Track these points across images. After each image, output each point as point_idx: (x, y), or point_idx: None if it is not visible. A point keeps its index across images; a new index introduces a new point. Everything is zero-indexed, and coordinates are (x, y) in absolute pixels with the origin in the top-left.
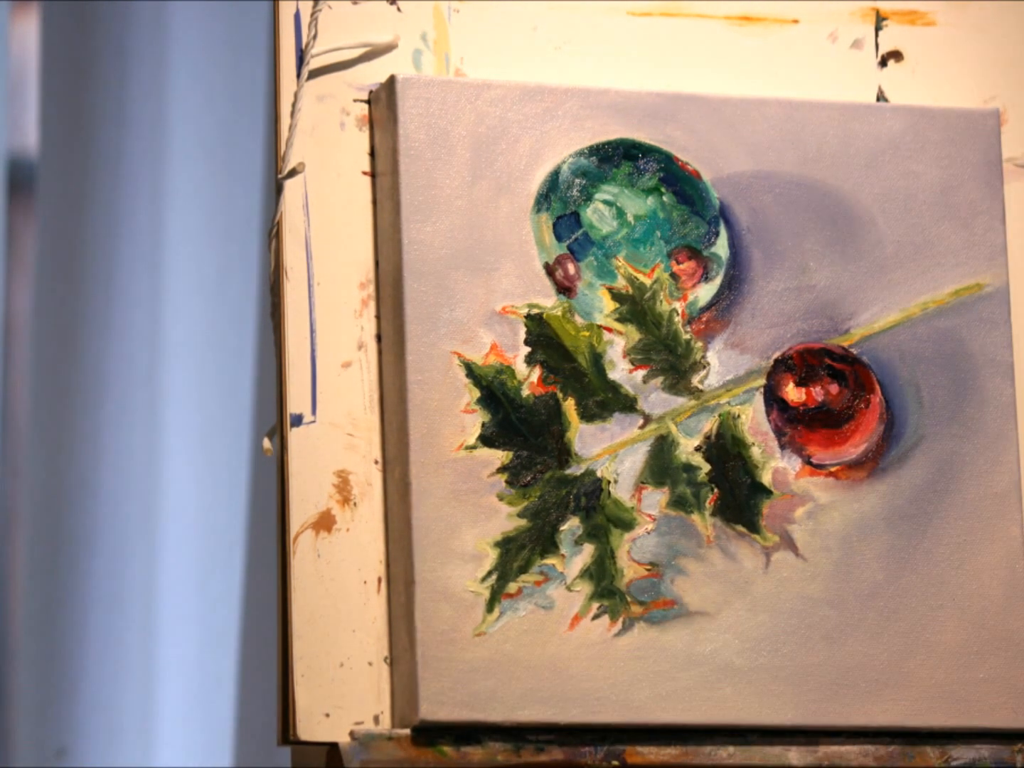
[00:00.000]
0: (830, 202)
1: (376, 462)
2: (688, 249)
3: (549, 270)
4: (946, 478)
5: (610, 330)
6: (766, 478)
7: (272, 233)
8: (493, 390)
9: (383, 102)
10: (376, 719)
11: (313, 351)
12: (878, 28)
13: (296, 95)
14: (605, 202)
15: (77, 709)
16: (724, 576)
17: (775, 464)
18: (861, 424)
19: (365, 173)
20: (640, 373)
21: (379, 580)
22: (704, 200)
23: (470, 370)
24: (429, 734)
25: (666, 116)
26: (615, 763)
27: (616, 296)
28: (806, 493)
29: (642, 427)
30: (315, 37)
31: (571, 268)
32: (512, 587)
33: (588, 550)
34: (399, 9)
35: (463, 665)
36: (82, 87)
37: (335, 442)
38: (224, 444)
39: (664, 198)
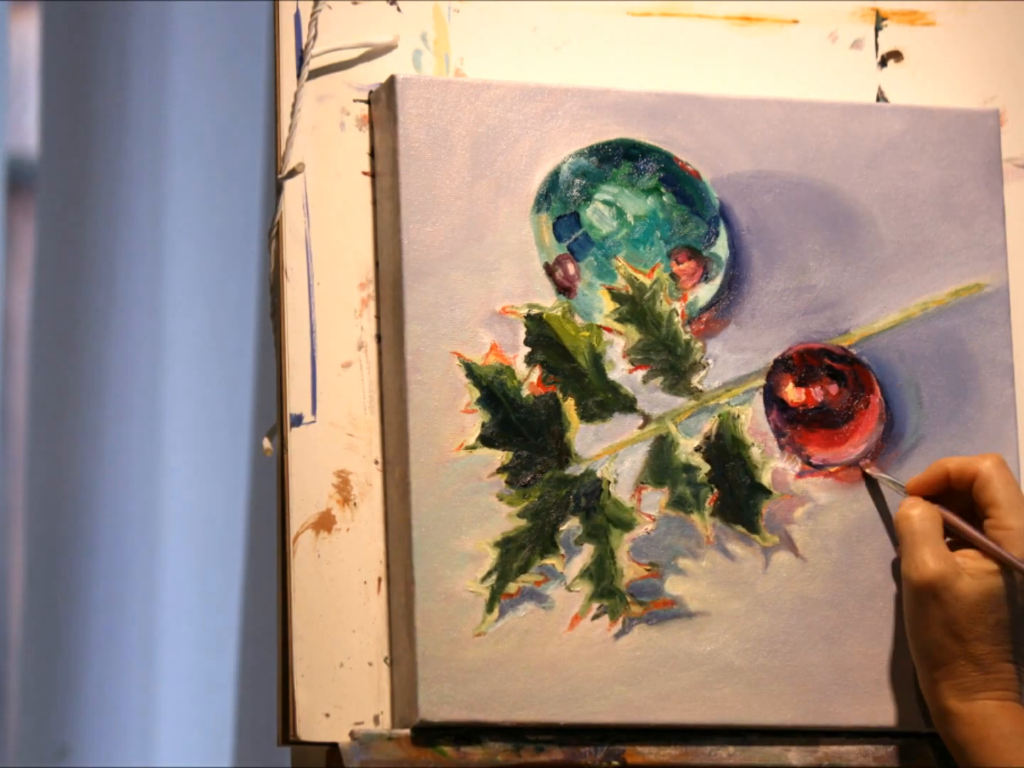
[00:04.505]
0: (830, 202)
1: (376, 462)
2: (688, 249)
3: (549, 270)
4: None
5: (610, 330)
6: (765, 478)
7: (272, 233)
8: (493, 390)
9: (383, 102)
10: (376, 719)
11: (313, 351)
12: (878, 28)
13: (296, 95)
14: (605, 202)
15: (77, 709)
16: (724, 576)
17: (774, 464)
18: (861, 424)
19: (365, 173)
20: (640, 373)
21: (379, 580)
22: (704, 200)
23: (470, 370)
24: (429, 734)
25: (666, 116)
26: (615, 763)
27: (616, 296)
28: (805, 493)
29: (642, 427)
30: (315, 37)
31: (571, 268)
32: (512, 587)
33: (588, 550)
34: (399, 9)
35: (463, 665)
36: (82, 87)
37: (335, 442)
38: (224, 444)
39: (664, 198)
